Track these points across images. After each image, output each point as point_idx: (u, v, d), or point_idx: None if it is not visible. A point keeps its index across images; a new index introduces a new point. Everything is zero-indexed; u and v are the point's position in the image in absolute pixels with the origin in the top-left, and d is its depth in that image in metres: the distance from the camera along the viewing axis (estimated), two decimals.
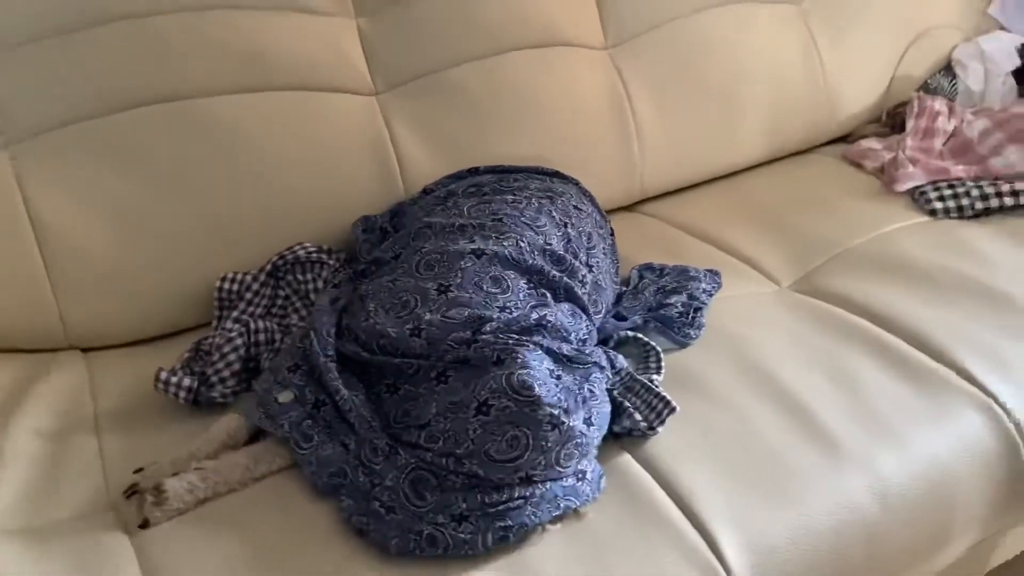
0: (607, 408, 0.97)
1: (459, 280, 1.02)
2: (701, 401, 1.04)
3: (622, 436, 0.99)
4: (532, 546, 0.87)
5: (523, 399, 0.88)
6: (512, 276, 1.05)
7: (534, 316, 0.99)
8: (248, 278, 1.21)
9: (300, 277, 1.22)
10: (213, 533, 0.89)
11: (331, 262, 1.23)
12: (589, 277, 1.12)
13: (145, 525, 0.90)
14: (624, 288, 1.25)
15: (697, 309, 1.19)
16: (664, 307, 1.18)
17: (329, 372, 0.96)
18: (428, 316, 0.98)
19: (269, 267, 1.22)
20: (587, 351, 0.99)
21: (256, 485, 0.95)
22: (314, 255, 1.23)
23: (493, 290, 1.02)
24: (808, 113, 1.66)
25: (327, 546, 0.87)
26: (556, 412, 0.89)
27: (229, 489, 0.94)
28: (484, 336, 0.95)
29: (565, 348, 0.97)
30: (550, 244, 1.10)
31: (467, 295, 1.00)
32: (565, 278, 1.07)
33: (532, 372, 0.90)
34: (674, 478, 0.95)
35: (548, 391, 0.90)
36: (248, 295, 1.20)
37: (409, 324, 0.98)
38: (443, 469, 0.89)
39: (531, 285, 1.05)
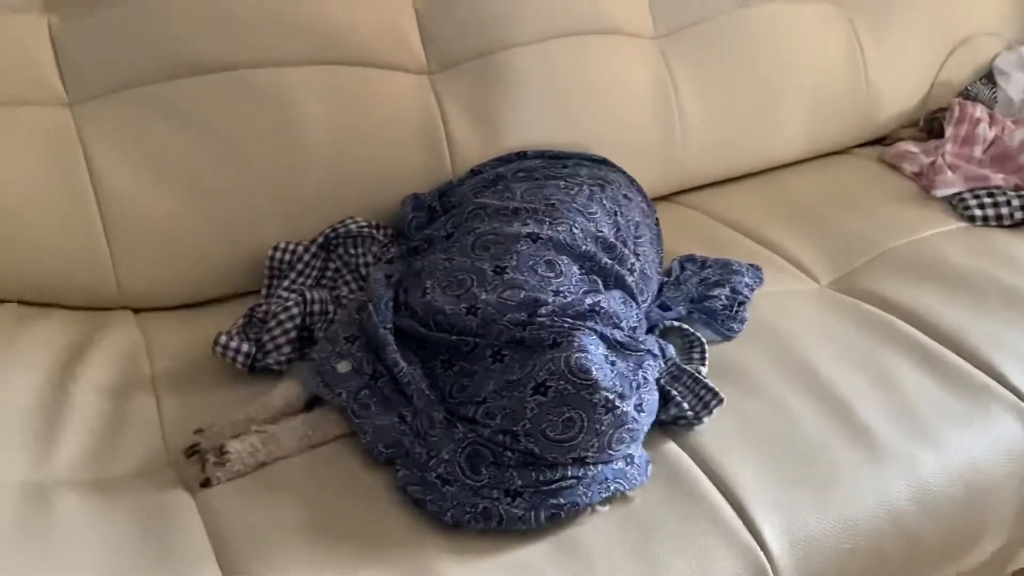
0: (656, 396, 0.99)
1: (514, 262, 1.04)
2: (744, 394, 1.06)
3: (668, 424, 1.01)
4: (581, 525, 0.90)
5: (581, 382, 0.91)
6: (565, 261, 1.07)
7: (588, 301, 1.01)
8: (300, 248, 1.23)
9: (351, 251, 1.24)
10: (273, 496, 0.91)
11: (380, 237, 1.25)
12: (637, 265, 1.14)
13: (207, 484, 0.92)
14: (666, 279, 1.27)
15: (741, 303, 1.21)
16: (708, 299, 1.20)
17: (388, 344, 0.99)
18: (484, 296, 1.00)
19: (321, 239, 1.24)
20: (639, 338, 1.01)
21: (312, 452, 0.97)
22: (364, 230, 1.24)
23: (547, 274, 1.04)
24: (848, 112, 1.67)
25: (384, 513, 0.90)
26: (611, 396, 0.91)
27: (286, 454, 0.96)
28: (540, 319, 0.97)
29: (618, 335, 1.00)
30: (601, 232, 1.12)
31: (522, 277, 1.02)
32: (616, 265, 1.09)
33: (589, 356, 0.93)
34: (718, 467, 0.97)
35: (604, 375, 0.92)
36: (299, 265, 1.22)
37: (465, 303, 1.00)
38: (499, 445, 0.91)
39: (583, 271, 1.07)
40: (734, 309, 1.19)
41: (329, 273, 1.24)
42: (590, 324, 0.99)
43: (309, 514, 0.89)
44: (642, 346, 1.00)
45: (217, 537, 0.87)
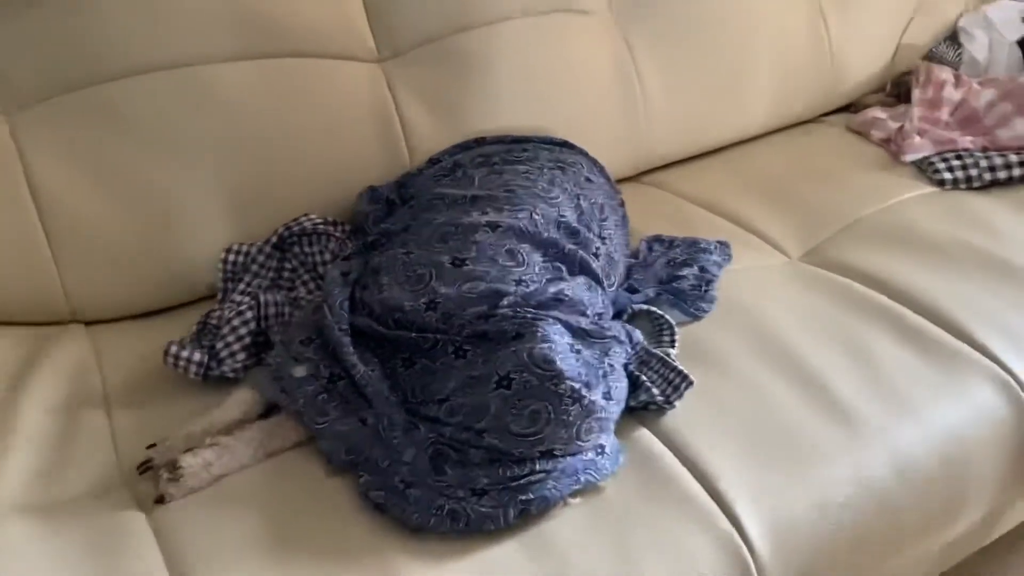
0: (625, 382, 0.96)
1: (474, 253, 1.01)
2: (717, 375, 1.03)
3: (638, 410, 0.98)
4: (553, 520, 0.87)
5: (545, 373, 0.88)
6: (527, 249, 1.03)
7: (551, 290, 0.97)
8: (253, 250, 1.19)
9: (307, 249, 1.20)
10: (230, 510, 0.88)
11: (337, 234, 1.21)
12: (603, 249, 1.11)
13: (161, 501, 0.89)
14: (634, 260, 1.24)
15: (709, 282, 1.18)
16: (676, 280, 1.17)
17: (344, 346, 0.95)
18: (444, 290, 0.97)
19: (275, 238, 1.20)
20: (605, 325, 0.98)
21: (271, 461, 0.94)
22: (320, 226, 1.21)
23: (508, 263, 1.01)
24: (814, 81, 1.65)
25: (347, 521, 0.86)
26: (577, 386, 0.88)
27: (243, 465, 0.93)
28: (502, 310, 0.94)
29: (583, 322, 0.96)
30: (564, 216, 1.09)
31: (483, 268, 0.99)
32: (580, 251, 1.05)
33: (553, 346, 0.89)
34: (693, 451, 0.94)
35: (569, 365, 0.89)
36: (254, 267, 1.18)
37: (424, 298, 0.97)
38: (463, 443, 0.88)
39: (546, 258, 1.04)
40: (703, 288, 1.16)
41: (286, 274, 1.20)
42: (554, 313, 0.95)
43: (268, 526, 0.85)
44: (608, 333, 0.97)
45: (172, 556, 0.83)
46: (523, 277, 1.00)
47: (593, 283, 1.04)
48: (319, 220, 1.21)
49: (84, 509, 0.88)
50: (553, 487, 0.86)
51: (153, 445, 0.94)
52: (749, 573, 0.87)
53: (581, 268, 1.05)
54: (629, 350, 1.00)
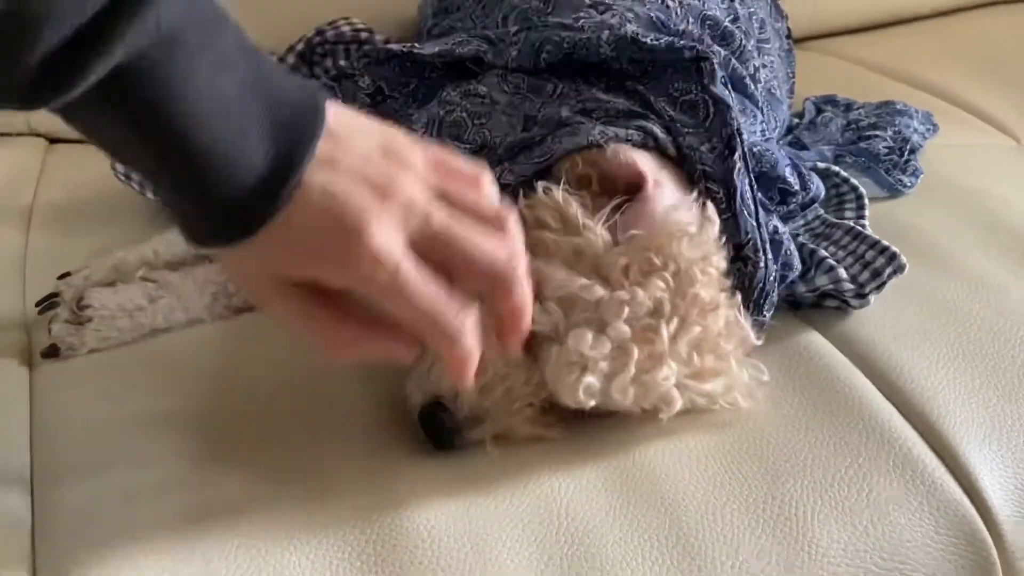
0: (795, 252, 0.60)
1: None
2: (931, 268, 0.66)
3: (805, 306, 0.63)
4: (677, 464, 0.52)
5: None
6: None
7: None
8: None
9: (341, 63, 0.88)
10: (154, 381, 0.56)
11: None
12: (762, 75, 0.75)
13: (53, 354, 0.58)
14: (798, 120, 0.88)
15: (912, 151, 0.80)
16: (865, 141, 0.80)
17: None
18: None
19: (301, 47, 0.88)
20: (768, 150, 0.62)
21: (234, 320, 0.62)
22: (362, 34, 0.88)
23: None
24: None
25: (325, 428, 0.54)
26: None
27: (191, 319, 0.61)
28: None
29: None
30: (711, 11, 0.72)
31: None
32: (733, 60, 0.69)
33: None
34: (896, 374, 0.58)
35: None
36: None
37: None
38: None
39: None
40: (903, 156, 0.79)
41: None
42: None
43: (199, 407, 0.53)
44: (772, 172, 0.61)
45: (42, 444, 0.52)
46: None
47: (751, 106, 0.68)
48: (361, 25, 0.89)
49: None
50: None
51: (67, 274, 0.63)
52: (985, 550, 0.51)
53: (733, 85, 0.68)
54: (798, 206, 0.65)
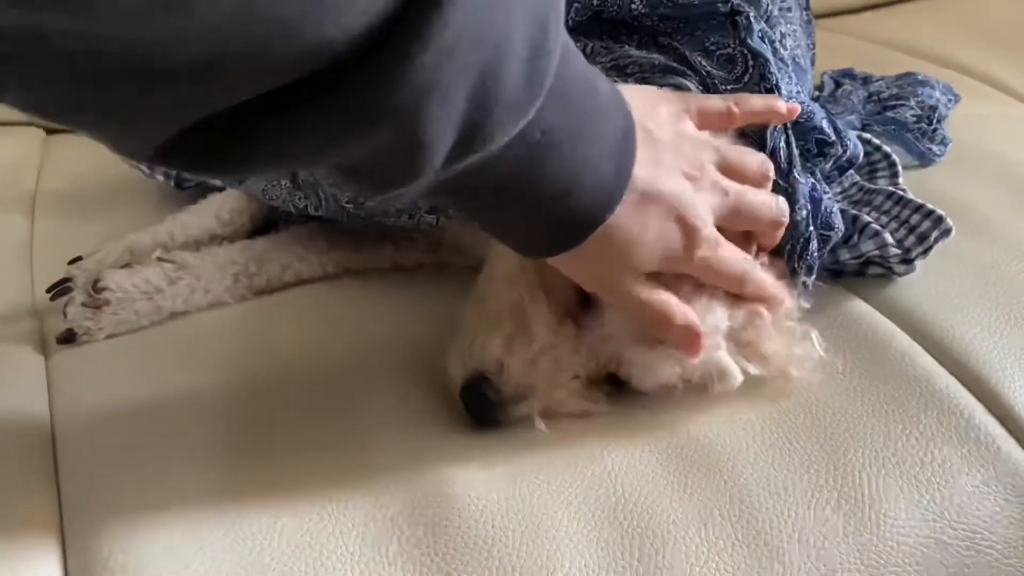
0: (838, 215, 0.58)
1: None
2: (969, 234, 0.64)
3: (848, 274, 0.61)
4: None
5: None
6: None
7: None
8: None
9: None
10: (173, 365, 0.53)
11: None
12: (788, 43, 0.72)
13: (69, 339, 0.55)
14: (818, 93, 0.86)
15: (939, 119, 0.79)
16: (892, 110, 0.78)
17: None
18: None
19: None
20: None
21: (256, 301, 0.59)
22: None
23: None
24: None
25: (351, 420, 0.51)
26: None
27: (212, 301, 0.58)
28: None
29: None
30: None
31: None
32: (763, 24, 0.67)
33: None
34: (948, 340, 0.56)
35: None
36: None
37: None
38: None
39: None
40: (931, 124, 0.77)
41: None
42: None
43: (225, 391, 0.51)
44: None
45: (63, 430, 0.49)
46: None
47: (783, 67, 0.65)
48: None
49: None
50: None
51: (79, 259, 0.60)
52: None
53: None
54: (836, 173, 0.63)
